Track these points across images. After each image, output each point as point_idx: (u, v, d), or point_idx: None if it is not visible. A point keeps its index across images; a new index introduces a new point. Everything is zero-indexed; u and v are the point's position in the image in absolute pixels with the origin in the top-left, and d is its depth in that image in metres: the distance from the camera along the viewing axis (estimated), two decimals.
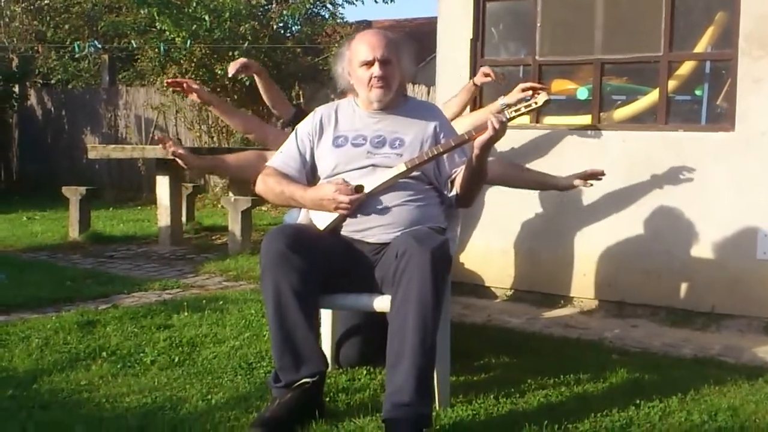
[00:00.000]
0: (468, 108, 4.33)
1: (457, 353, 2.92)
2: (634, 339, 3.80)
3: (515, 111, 2.79)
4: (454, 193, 2.86)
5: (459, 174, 2.82)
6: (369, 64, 2.81)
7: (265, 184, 2.93)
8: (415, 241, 2.57)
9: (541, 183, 3.97)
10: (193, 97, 3.79)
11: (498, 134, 2.61)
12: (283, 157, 2.95)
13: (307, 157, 2.93)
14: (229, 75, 3.92)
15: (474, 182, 2.80)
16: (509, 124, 2.69)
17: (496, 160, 3.71)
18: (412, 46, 2.99)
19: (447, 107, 4.15)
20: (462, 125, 3.47)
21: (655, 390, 2.94)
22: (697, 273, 4.08)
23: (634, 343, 3.71)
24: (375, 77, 2.81)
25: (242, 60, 3.93)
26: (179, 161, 3.63)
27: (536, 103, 2.82)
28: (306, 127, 2.97)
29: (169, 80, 3.87)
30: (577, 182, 3.81)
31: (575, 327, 4.02)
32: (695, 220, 4.08)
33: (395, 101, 2.91)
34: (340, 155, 2.85)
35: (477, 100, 4.54)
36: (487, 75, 4.11)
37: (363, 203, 2.76)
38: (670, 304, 4.15)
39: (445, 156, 2.83)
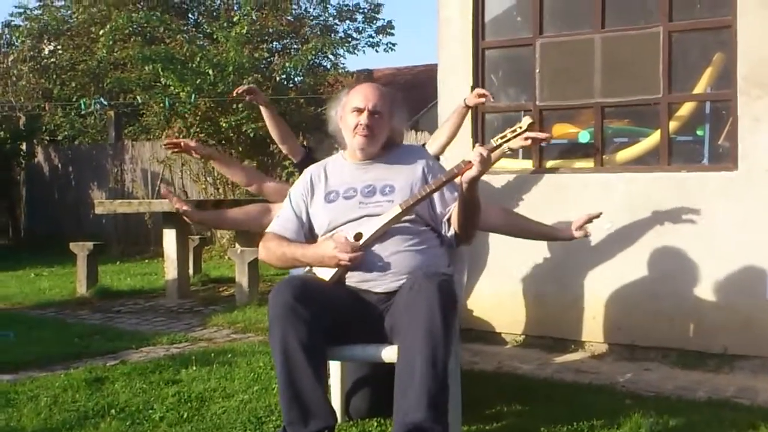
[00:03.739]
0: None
1: (467, 401, 2.90)
2: (646, 383, 3.76)
3: (501, 138, 2.83)
4: (452, 231, 2.87)
5: (453, 211, 2.83)
6: (359, 111, 2.89)
7: (266, 250, 2.96)
8: (423, 275, 2.63)
9: (544, 234, 3.79)
10: (194, 154, 3.84)
11: (483, 167, 2.61)
12: (281, 221, 3.00)
13: (304, 218, 2.98)
14: (234, 94, 4.03)
15: (469, 216, 2.80)
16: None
17: (501, 210, 3.68)
18: (404, 106, 3.06)
19: (441, 131, 4.19)
20: None
21: None
22: (708, 314, 4.05)
23: (647, 387, 3.67)
24: (361, 125, 2.89)
25: (251, 86, 4.05)
26: (184, 216, 3.68)
27: (520, 127, 2.85)
28: (298, 189, 3.03)
29: (166, 141, 3.91)
30: (577, 233, 3.52)
31: (587, 372, 3.98)
32: (703, 260, 4.06)
33: (382, 152, 2.96)
34: (332, 210, 2.90)
35: (480, 139, 4.57)
36: (481, 96, 4.11)
37: (365, 253, 2.77)
38: (682, 346, 4.11)
39: (436, 195, 2.85)
